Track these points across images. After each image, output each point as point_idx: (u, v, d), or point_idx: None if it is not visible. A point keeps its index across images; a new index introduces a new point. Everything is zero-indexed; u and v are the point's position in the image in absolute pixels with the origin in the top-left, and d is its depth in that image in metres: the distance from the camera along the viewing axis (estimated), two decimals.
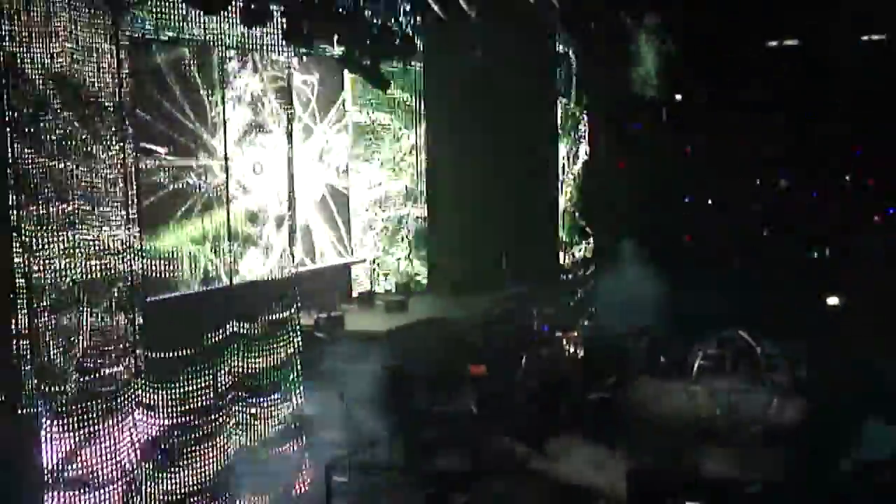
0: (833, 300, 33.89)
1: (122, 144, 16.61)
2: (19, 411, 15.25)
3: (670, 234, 37.65)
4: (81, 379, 15.93)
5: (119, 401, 16.47)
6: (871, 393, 25.69)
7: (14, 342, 15.20)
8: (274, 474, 19.36)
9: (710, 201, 42.04)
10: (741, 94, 39.78)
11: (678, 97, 40.56)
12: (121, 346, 16.59)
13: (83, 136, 15.86)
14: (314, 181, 27.34)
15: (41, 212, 15.31)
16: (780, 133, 40.84)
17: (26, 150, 15.07)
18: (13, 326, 15.19)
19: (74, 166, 15.71)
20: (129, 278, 16.80)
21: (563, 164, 32.23)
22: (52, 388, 15.51)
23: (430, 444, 20.99)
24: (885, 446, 21.97)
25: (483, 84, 29.33)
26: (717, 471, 20.42)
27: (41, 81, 15.26)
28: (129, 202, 16.74)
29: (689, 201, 40.65)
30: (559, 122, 32.30)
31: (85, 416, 15.99)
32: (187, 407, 17.90)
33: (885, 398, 25.24)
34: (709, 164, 41.10)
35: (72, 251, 15.64)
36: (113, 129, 16.39)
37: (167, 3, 17.90)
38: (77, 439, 15.87)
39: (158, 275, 18.87)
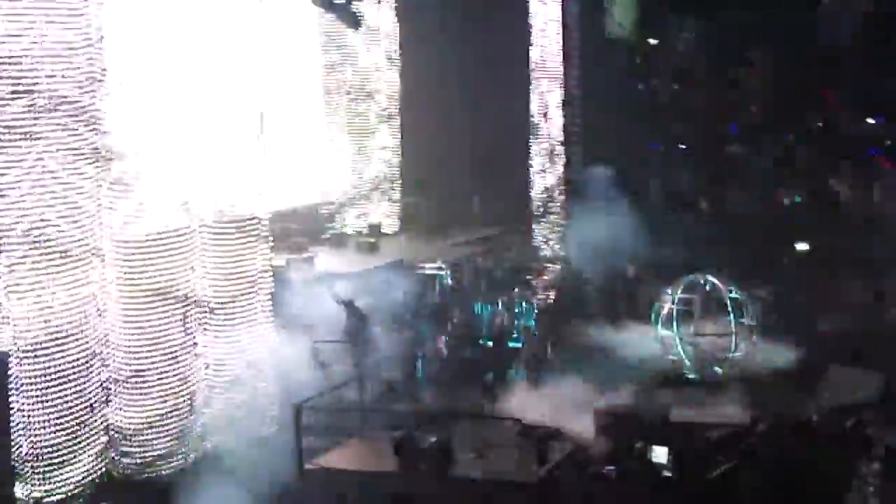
0: (802, 246, 33.99)
1: None
2: None
3: (641, 178, 37.68)
4: None
5: None
6: (838, 337, 25.85)
7: None
8: (243, 416, 19.30)
9: (680, 145, 42.09)
10: (714, 40, 39.85)
11: (652, 42, 40.50)
12: None
13: None
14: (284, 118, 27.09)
15: None
16: (753, 79, 40.92)
17: None
18: None
19: None
20: None
21: (537, 107, 32.06)
22: None
23: (398, 387, 20.99)
24: (850, 390, 22.10)
25: (459, 25, 29.21)
26: (685, 414, 20.46)
27: None
28: None
29: (655, 147, 40.71)
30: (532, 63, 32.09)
31: None
32: None
33: (850, 342, 25.41)
34: (678, 110, 41.17)
35: None
36: None
37: None
38: None
39: None
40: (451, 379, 21.57)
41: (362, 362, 21.79)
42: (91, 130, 16.61)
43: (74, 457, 16.75)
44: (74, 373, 16.66)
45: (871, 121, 40.78)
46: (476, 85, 31.41)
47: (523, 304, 25.95)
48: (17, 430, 16.39)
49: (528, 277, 28.61)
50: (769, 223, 36.60)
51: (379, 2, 29.21)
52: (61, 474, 16.60)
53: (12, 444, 16.44)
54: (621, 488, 17.61)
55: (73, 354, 16.58)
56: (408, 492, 17.26)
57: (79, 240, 16.54)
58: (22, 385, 16.30)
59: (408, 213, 30.92)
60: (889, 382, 22.56)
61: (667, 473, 18.30)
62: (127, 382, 17.72)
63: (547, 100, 32.19)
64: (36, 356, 16.26)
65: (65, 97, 16.13)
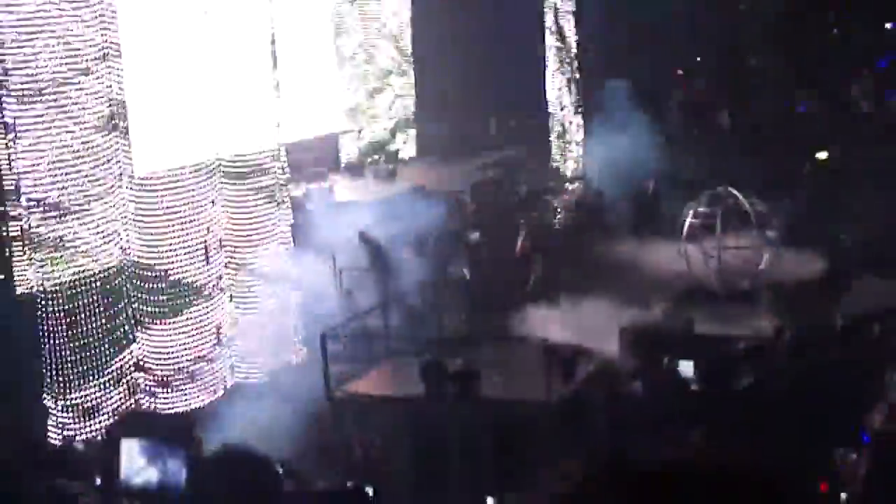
0: (822, 154, 33.80)
1: None
2: None
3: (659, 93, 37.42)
4: None
5: None
6: (862, 246, 25.77)
7: None
8: (274, 342, 19.46)
9: (698, 58, 41.69)
10: None
11: None
12: None
13: None
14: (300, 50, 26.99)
15: None
16: None
17: None
18: None
19: None
20: None
21: (550, 27, 31.80)
22: None
23: (422, 312, 21.03)
24: (874, 298, 22.09)
25: None
26: (709, 328, 20.48)
27: None
28: None
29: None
30: None
31: None
32: None
33: (876, 251, 25.33)
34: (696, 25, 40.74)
35: None
36: None
37: None
38: None
39: None
40: (476, 301, 21.59)
41: (386, 289, 21.87)
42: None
43: (104, 394, 16.96)
44: (101, 310, 16.80)
45: (889, 26, 40.33)
46: (488, 6, 31.15)
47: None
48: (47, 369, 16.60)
49: (549, 197, 28.54)
50: (788, 133, 36.37)
51: None
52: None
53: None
54: (648, 403, 17.72)
55: (97, 293, 16.72)
56: (435, 414, 17.40)
57: (98, 179, 16.63)
58: (50, 324, 16.46)
59: (426, 139, 30.83)
60: None
61: (693, 387, 18.42)
62: (152, 318, 17.87)
63: (562, 19, 31.92)
64: (62, 295, 16.40)
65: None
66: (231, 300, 19.20)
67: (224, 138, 19.01)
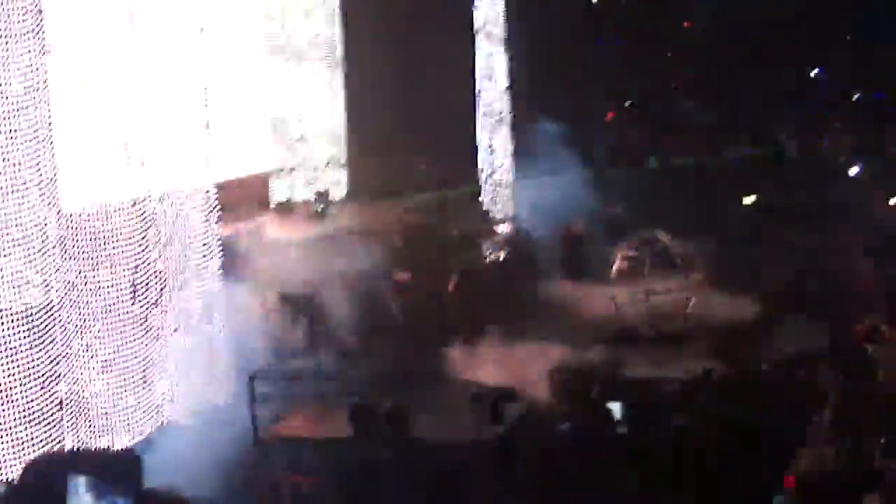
0: (750, 199, 34.25)
1: None
2: None
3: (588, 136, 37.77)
4: None
5: None
6: (792, 287, 26.08)
7: None
8: (201, 383, 19.27)
9: (628, 103, 42.15)
10: None
11: None
12: None
13: None
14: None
15: None
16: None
17: None
18: None
19: None
20: None
21: (480, 69, 31.95)
22: None
23: (353, 353, 20.97)
24: (804, 340, 22.35)
25: None
26: (639, 371, 20.61)
27: None
28: None
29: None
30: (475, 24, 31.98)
31: None
32: None
33: (804, 293, 25.65)
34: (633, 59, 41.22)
35: None
36: None
37: None
38: None
39: None
40: (406, 343, 21.54)
41: (314, 331, 21.79)
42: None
43: (27, 431, 16.64)
44: (24, 346, 16.53)
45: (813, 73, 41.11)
46: (420, 47, 31.28)
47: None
48: None
49: (479, 239, 28.61)
50: (715, 177, 36.85)
51: None
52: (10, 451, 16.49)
53: None
54: (576, 445, 17.74)
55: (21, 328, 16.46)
56: (365, 457, 17.30)
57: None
58: None
59: (355, 180, 30.80)
60: (837, 333, 22.83)
61: (621, 429, 18.47)
62: (77, 356, 17.59)
63: (492, 61, 32.10)
64: None
65: None
66: (157, 339, 18.97)
67: (154, 175, 18.85)
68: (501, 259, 28.34)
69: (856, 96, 39.05)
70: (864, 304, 24.27)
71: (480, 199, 32.16)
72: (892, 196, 32.75)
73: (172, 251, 19.03)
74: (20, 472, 16.38)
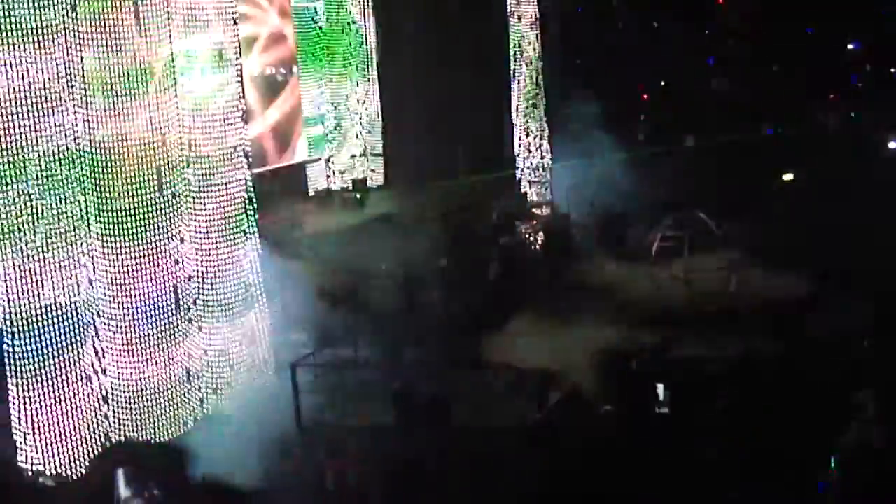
0: (788, 176, 34.02)
1: None
2: None
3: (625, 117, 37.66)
4: None
5: None
6: (829, 264, 25.85)
7: None
8: (243, 374, 19.31)
9: (662, 82, 42.00)
10: None
11: None
12: None
13: None
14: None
15: None
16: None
17: None
18: None
19: None
20: None
21: (514, 52, 31.88)
22: None
23: (395, 342, 20.94)
24: (845, 317, 22.16)
25: None
26: (681, 352, 20.48)
27: None
28: None
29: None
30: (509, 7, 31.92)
31: None
32: None
33: (842, 269, 25.42)
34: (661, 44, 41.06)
35: None
36: None
37: None
38: None
39: None
40: (449, 330, 21.48)
41: (356, 319, 21.79)
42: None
43: (73, 428, 16.77)
44: (67, 344, 16.64)
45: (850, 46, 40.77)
46: (454, 32, 31.23)
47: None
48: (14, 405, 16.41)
49: (518, 223, 28.53)
50: (755, 155, 36.61)
51: None
52: (61, 446, 16.63)
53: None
54: (619, 426, 17.67)
55: (64, 325, 16.56)
56: (407, 445, 17.31)
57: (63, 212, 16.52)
58: (16, 358, 16.27)
59: (393, 167, 30.84)
60: (881, 310, 22.62)
61: (664, 409, 18.39)
62: (121, 350, 17.69)
63: (526, 43, 32.00)
64: (27, 329, 16.23)
65: None
66: (200, 331, 19.04)
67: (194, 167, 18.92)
68: (540, 242, 28.26)
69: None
70: None
71: (518, 183, 32.14)
72: None
73: (211, 241, 19.07)
74: (68, 464, 16.57)
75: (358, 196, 28.06)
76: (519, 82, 31.98)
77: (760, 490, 16.35)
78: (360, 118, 30.09)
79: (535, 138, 32.36)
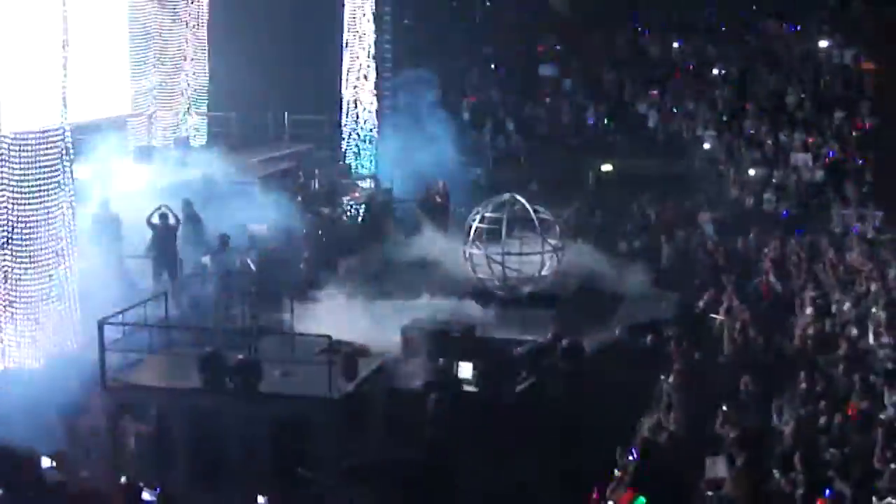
0: (607, 166, 34.72)
1: None
2: None
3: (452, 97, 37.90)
4: None
5: None
6: (640, 256, 26.56)
7: None
8: (50, 328, 18.86)
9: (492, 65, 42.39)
10: None
11: None
12: None
13: None
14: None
15: None
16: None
17: None
18: None
19: None
20: None
21: (347, 23, 31.74)
22: None
23: (204, 303, 20.69)
24: (649, 308, 22.81)
25: None
26: (491, 332, 20.76)
27: None
28: None
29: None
30: None
31: None
32: None
33: (651, 260, 26.17)
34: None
35: None
36: None
37: None
38: None
39: None
40: (261, 296, 21.32)
41: (168, 278, 21.46)
42: None
43: None
44: None
45: (675, 45, 41.81)
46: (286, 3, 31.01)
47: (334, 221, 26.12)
48: None
49: (341, 195, 28.45)
50: (575, 143, 37.30)
51: None
52: None
53: None
54: (427, 402, 17.84)
55: None
56: (214, 408, 17.15)
57: None
58: None
59: (217, 128, 30.46)
60: (684, 301, 23.35)
61: (470, 387, 18.63)
62: None
63: (358, 14, 31.86)
64: None
65: None
66: (6, 281, 18.51)
67: (8, 115, 18.37)
68: (361, 215, 28.25)
69: None
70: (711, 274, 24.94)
71: (342, 154, 32.04)
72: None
73: (23, 191, 18.55)
74: None
75: (180, 154, 27.56)
76: (350, 53, 31.85)
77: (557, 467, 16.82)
78: (187, 76, 29.59)
79: (363, 110, 32.30)
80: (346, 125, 32.14)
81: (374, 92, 32.44)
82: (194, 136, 29.81)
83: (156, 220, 21.74)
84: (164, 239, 21.73)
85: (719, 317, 21.56)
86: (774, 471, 14.84)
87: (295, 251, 23.78)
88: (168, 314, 19.73)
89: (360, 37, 31.90)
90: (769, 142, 34.82)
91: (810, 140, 34.54)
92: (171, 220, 21.82)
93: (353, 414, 17.30)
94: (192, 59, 29.68)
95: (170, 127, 29.37)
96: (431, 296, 22.45)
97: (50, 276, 18.96)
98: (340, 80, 31.88)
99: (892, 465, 14.47)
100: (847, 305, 21.47)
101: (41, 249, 18.85)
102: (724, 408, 16.92)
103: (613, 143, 37.24)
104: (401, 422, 17.97)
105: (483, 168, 35.16)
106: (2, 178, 18.36)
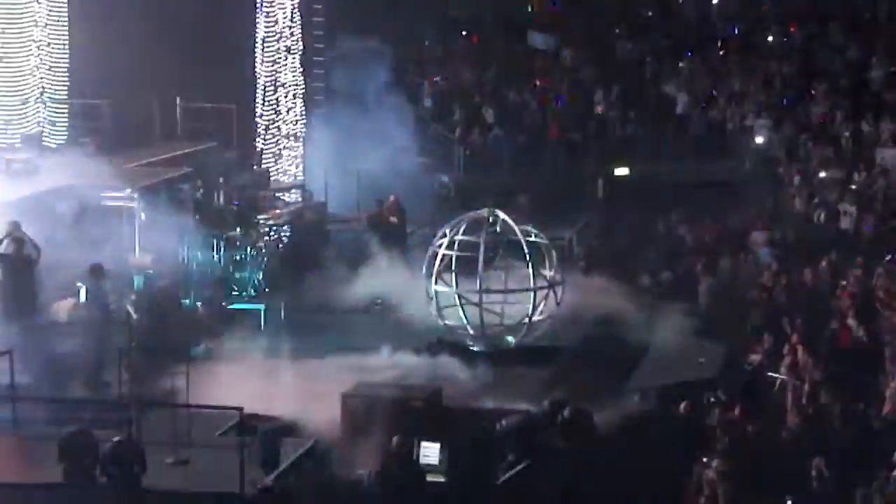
0: (622, 171, 34.96)
1: None
2: None
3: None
4: None
5: None
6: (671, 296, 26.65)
7: None
8: None
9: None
10: None
11: None
12: None
13: None
14: None
15: None
16: None
17: None
18: None
19: None
20: None
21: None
22: None
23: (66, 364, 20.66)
24: (681, 364, 22.86)
25: None
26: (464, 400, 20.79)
27: None
28: None
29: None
30: None
31: None
32: None
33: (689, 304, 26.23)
34: None
35: None
36: None
37: None
38: None
39: None
40: (146, 353, 21.28)
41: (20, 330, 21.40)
42: None
43: None
44: None
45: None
46: None
47: (248, 249, 26.11)
48: None
49: (256, 213, 28.45)
50: (579, 139, 37.49)
51: None
52: None
53: None
54: (377, 498, 17.82)
55: None
56: None
57: None
58: None
59: (81, 122, 30.31)
60: (731, 355, 23.34)
61: (437, 477, 18.59)
62: None
63: None
64: None
65: None
66: None
67: None
68: (285, 240, 28.30)
69: None
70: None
71: (259, 154, 32.10)
72: None
73: None
74: None
75: (29, 157, 27.42)
76: (266, 17, 32.01)
77: None
78: (38, 49, 29.45)
79: (284, 95, 32.41)
80: (261, 116, 32.23)
81: (301, 69, 32.56)
82: (49, 132, 29.72)
83: (5, 249, 21.67)
84: (16, 275, 21.67)
85: (780, 376, 21.66)
86: None
87: (191, 290, 23.80)
88: (14, 380, 19.66)
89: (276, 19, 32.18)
90: (846, 134, 35.00)
91: None
92: (28, 250, 21.75)
93: None
94: (47, 26, 29.63)
95: (14, 119, 29.28)
96: (382, 351, 22.46)
97: None
98: (254, 54, 31.97)
99: None
100: None
101: None
102: (790, 502, 16.97)
103: (631, 138, 37.44)
104: None
105: (452, 174, 35.24)
106: None
